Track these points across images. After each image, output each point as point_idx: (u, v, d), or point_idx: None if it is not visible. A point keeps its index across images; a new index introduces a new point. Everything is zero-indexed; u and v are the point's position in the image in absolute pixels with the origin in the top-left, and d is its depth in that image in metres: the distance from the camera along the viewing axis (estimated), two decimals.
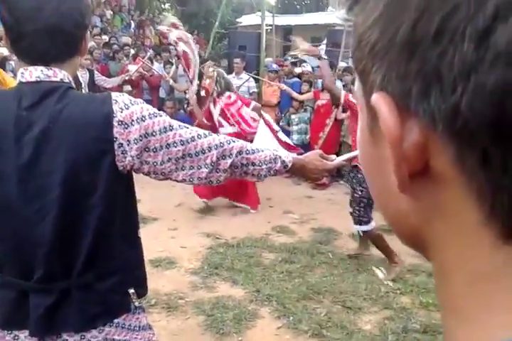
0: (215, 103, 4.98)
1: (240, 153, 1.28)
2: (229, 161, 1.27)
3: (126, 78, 7.04)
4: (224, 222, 4.89)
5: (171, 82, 7.43)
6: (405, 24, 0.25)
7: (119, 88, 7.05)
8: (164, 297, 3.34)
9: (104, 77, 6.93)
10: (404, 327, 3.02)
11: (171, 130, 1.20)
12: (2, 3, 1.13)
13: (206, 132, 1.29)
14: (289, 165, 1.36)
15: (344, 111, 6.44)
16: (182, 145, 1.21)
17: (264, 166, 1.32)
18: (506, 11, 0.22)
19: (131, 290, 1.28)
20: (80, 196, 1.15)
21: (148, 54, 8.01)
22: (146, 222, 4.66)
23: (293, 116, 6.88)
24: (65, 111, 1.12)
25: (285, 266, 3.88)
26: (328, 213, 5.05)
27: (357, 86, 0.32)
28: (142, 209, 4.79)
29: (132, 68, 7.25)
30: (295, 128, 6.83)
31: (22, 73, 1.15)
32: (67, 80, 1.18)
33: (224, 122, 4.95)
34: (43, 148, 1.12)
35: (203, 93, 5.62)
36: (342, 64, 7.62)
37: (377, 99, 0.28)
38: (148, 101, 5.12)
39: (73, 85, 1.21)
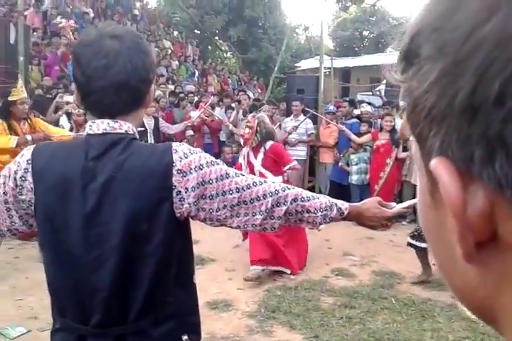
0: (255, 153, 4.68)
1: (294, 200, 1.29)
2: (284, 208, 1.28)
3: (189, 124, 7.32)
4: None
5: (231, 126, 7.66)
6: (464, 89, 0.25)
7: (182, 132, 7.32)
8: (221, 340, 3.29)
9: (167, 124, 7.26)
10: None
11: (227, 178, 1.23)
12: (74, 63, 1.23)
13: (262, 179, 1.31)
14: (345, 212, 1.35)
15: (405, 150, 6.33)
16: (238, 192, 1.23)
17: (319, 213, 1.31)
18: None
19: (185, 337, 1.28)
20: (138, 243, 1.18)
21: (210, 100, 8.33)
22: (205, 263, 4.68)
23: (352, 156, 6.81)
24: (128, 162, 1.18)
25: (345, 311, 3.73)
26: (390, 255, 4.86)
27: (414, 148, 0.31)
28: (201, 250, 4.87)
29: (194, 114, 7.55)
30: (354, 168, 6.74)
31: (90, 126, 1.24)
32: (131, 131, 1.25)
33: (267, 173, 4.63)
34: (105, 197, 1.17)
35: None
36: (402, 103, 7.54)
37: (437, 164, 0.27)
38: (209, 145, 5.28)
39: (137, 136, 1.28)
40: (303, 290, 4.13)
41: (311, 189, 7.56)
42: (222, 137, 8.13)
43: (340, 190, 6.99)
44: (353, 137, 6.78)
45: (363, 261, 4.90)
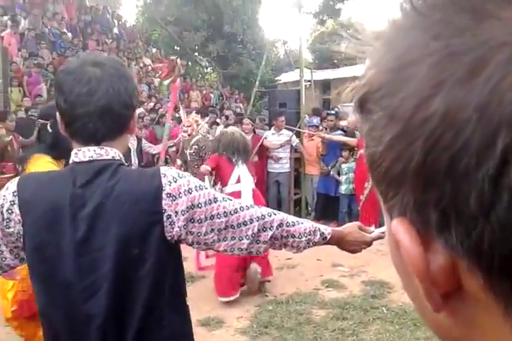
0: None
1: (280, 225, 1.32)
2: (270, 233, 1.31)
3: (171, 144, 7.30)
4: (274, 276, 4.79)
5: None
6: (415, 159, 0.25)
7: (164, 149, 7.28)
8: None
9: (150, 144, 7.25)
10: None
11: (216, 202, 1.25)
12: (57, 91, 1.24)
13: (249, 204, 1.34)
14: (328, 237, 1.38)
15: None
16: (225, 216, 1.25)
17: (303, 238, 1.35)
18: None
19: None
20: (130, 268, 1.19)
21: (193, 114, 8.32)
22: (194, 280, 4.64)
23: (343, 166, 6.87)
24: (117, 188, 1.19)
25: (337, 323, 3.72)
26: (379, 264, 4.86)
27: (379, 198, 0.31)
28: (190, 266, 4.82)
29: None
30: (344, 177, 6.79)
31: (76, 154, 1.23)
32: (117, 157, 1.25)
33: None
34: (96, 224, 1.17)
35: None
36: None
37: (397, 227, 0.27)
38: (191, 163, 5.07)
39: (123, 162, 1.28)
40: (294, 303, 4.11)
41: (298, 201, 7.57)
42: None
43: (328, 201, 7.03)
44: (335, 138, 6.87)
45: (352, 271, 4.90)
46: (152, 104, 10.18)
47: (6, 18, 12.14)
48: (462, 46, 0.24)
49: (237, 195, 4.48)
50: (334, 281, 4.64)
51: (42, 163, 2.23)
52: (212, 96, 14.53)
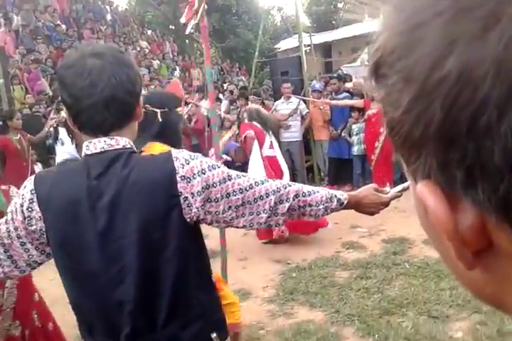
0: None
1: (296, 196, 1.32)
2: (287, 205, 1.31)
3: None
4: (291, 245, 4.85)
5: (223, 114, 7.67)
6: (435, 120, 0.25)
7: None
8: (245, 329, 3.33)
9: None
10: (499, 330, 2.83)
11: (230, 180, 1.26)
12: (60, 86, 1.25)
13: (263, 179, 1.34)
14: (345, 202, 1.39)
15: None
16: (241, 193, 1.26)
17: (321, 206, 1.35)
18: None
19: (214, 335, 1.31)
20: (154, 252, 1.21)
21: (195, 98, 8.28)
22: (215, 255, 4.72)
23: (353, 126, 6.80)
24: (131, 176, 1.20)
25: (361, 283, 3.77)
26: (397, 221, 4.89)
27: (402, 163, 0.31)
28: (211, 243, 4.88)
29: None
30: (355, 138, 6.74)
31: (87, 146, 1.25)
32: (128, 146, 1.26)
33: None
34: (115, 213, 1.20)
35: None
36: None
37: (422, 189, 0.28)
38: (196, 146, 5.17)
39: (135, 149, 1.29)
40: (317, 268, 4.17)
41: (310, 168, 7.57)
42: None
43: (340, 164, 7.00)
44: (341, 102, 6.80)
45: (371, 231, 4.94)
46: (153, 87, 10.14)
47: None
48: (472, 2, 0.24)
49: (272, 159, 4.63)
50: (354, 242, 4.68)
51: (158, 149, 2.10)
52: (213, 72, 14.43)
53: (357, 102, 6.68)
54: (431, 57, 0.25)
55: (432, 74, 0.25)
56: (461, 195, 0.26)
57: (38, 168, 6.40)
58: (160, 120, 2.18)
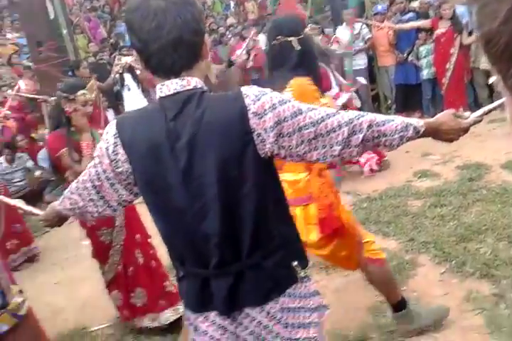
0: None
1: (370, 126, 1.30)
2: (360, 136, 1.29)
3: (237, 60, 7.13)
4: (359, 177, 4.81)
5: None
6: None
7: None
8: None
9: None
10: None
11: (301, 113, 1.26)
12: (129, 30, 1.27)
13: (334, 110, 1.32)
14: (422, 130, 1.34)
15: (471, 33, 5.83)
16: (313, 126, 1.26)
17: (396, 136, 1.32)
18: None
19: (295, 263, 1.38)
20: (233, 189, 1.27)
21: (252, 32, 8.02)
22: None
23: (421, 48, 6.38)
24: (205, 116, 1.24)
25: (436, 211, 3.72)
26: (472, 147, 4.67)
27: (497, 79, 0.31)
28: None
29: (238, 52, 7.35)
30: (424, 61, 6.33)
31: (160, 88, 1.28)
32: (199, 86, 1.28)
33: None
34: (193, 153, 1.25)
35: None
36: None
37: None
38: (255, 81, 5.03)
39: (205, 88, 1.31)
40: (388, 198, 4.14)
41: (375, 96, 7.29)
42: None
43: (408, 90, 6.69)
44: (411, 24, 6.36)
45: (444, 158, 4.78)
46: (207, 25, 9.93)
47: None
48: None
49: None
50: (427, 171, 4.57)
51: (305, 86, 2.11)
52: (268, 3, 13.81)
53: (424, 22, 6.22)
54: None
55: None
56: None
57: (110, 114, 6.65)
58: (298, 47, 2.13)
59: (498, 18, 0.26)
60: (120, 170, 1.34)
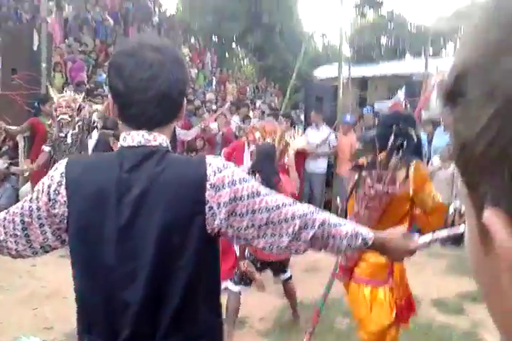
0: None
1: (322, 224, 1.27)
2: (311, 232, 1.26)
3: (202, 126, 7.27)
4: (299, 279, 4.75)
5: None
6: None
7: (194, 142, 7.26)
8: None
9: (183, 131, 7.27)
10: None
11: (259, 196, 1.23)
12: (115, 73, 1.22)
13: (291, 201, 1.30)
14: (370, 242, 1.33)
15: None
16: (267, 212, 1.23)
17: (344, 241, 1.30)
18: None
19: None
20: (170, 257, 1.18)
21: (227, 105, 8.32)
22: None
23: None
24: (163, 174, 1.19)
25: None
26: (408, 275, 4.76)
27: (463, 191, 0.30)
28: None
29: (213, 126, 7.53)
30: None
31: (124, 138, 1.24)
32: (165, 144, 1.25)
33: None
34: (140, 210, 1.17)
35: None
36: (423, 114, 7.42)
37: (491, 216, 0.26)
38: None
39: (170, 148, 1.28)
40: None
41: (328, 202, 7.47)
42: None
43: None
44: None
45: None
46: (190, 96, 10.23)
47: (51, 3, 12.33)
48: None
49: None
50: None
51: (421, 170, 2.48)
52: (248, 88, 14.53)
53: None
54: None
55: None
56: None
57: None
58: (416, 138, 2.46)
59: (478, 124, 0.25)
60: (56, 211, 1.23)
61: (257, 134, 4.31)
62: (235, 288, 3.54)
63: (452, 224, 5.64)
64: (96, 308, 1.23)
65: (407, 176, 2.37)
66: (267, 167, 3.53)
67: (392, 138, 2.42)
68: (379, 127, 2.73)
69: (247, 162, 4.46)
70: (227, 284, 3.54)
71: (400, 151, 2.39)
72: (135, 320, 1.18)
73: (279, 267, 3.76)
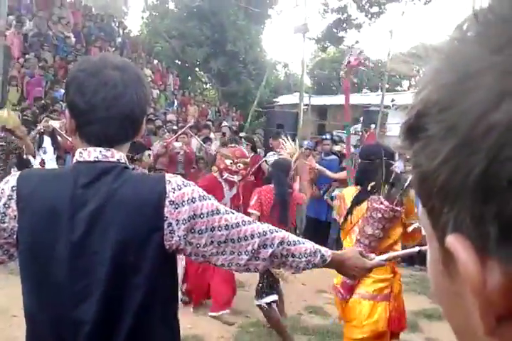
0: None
1: (281, 243, 1.29)
2: (270, 250, 1.27)
3: (164, 144, 7.24)
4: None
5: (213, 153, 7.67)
6: (476, 169, 0.25)
7: (155, 161, 7.20)
8: None
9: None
10: None
11: (218, 214, 1.22)
12: (76, 90, 1.19)
13: (251, 219, 1.31)
14: (328, 259, 1.36)
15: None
16: (226, 230, 1.22)
17: (303, 259, 1.32)
18: None
19: None
20: (125, 275, 1.15)
21: (189, 125, 8.33)
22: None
23: (337, 190, 6.79)
24: (120, 191, 1.16)
25: None
26: None
27: (423, 218, 0.31)
28: None
29: (177, 145, 7.52)
30: (335, 203, 6.72)
31: (80, 153, 1.21)
32: (122, 160, 1.23)
33: None
34: (94, 226, 1.14)
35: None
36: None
37: (454, 242, 0.27)
38: (182, 176, 5.03)
39: (128, 165, 1.26)
40: None
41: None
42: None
43: (318, 225, 6.97)
44: (328, 173, 6.84)
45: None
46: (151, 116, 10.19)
47: (11, 17, 12.14)
48: None
49: None
50: (318, 307, 4.57)
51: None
52: (209, 112, 14.60)
53: (340, 175, 6.72)
54: (479, 107, 0.25)
55: (478, 124, 0.25)
56: (492, 251, 0.25)
57: (14, 171, 6.21)
58: (395, 172, 2.75)
59: (439, 157, 0.27)
60: (5, 225, 1.17)
61: (227, 161, 4.22)
62: (268, 299, 3.68)
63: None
64: (46, 327, 1.17)
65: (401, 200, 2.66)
66: (281, 178, 3.90)
67: (382, 170, 2.73)
68: (364, 160, 2.97)
69: (227, 195, 4.38)
70: (257, 302, 3.72)
71: (391, 180, 2.67)
72: (87, 339, 1.13)
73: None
